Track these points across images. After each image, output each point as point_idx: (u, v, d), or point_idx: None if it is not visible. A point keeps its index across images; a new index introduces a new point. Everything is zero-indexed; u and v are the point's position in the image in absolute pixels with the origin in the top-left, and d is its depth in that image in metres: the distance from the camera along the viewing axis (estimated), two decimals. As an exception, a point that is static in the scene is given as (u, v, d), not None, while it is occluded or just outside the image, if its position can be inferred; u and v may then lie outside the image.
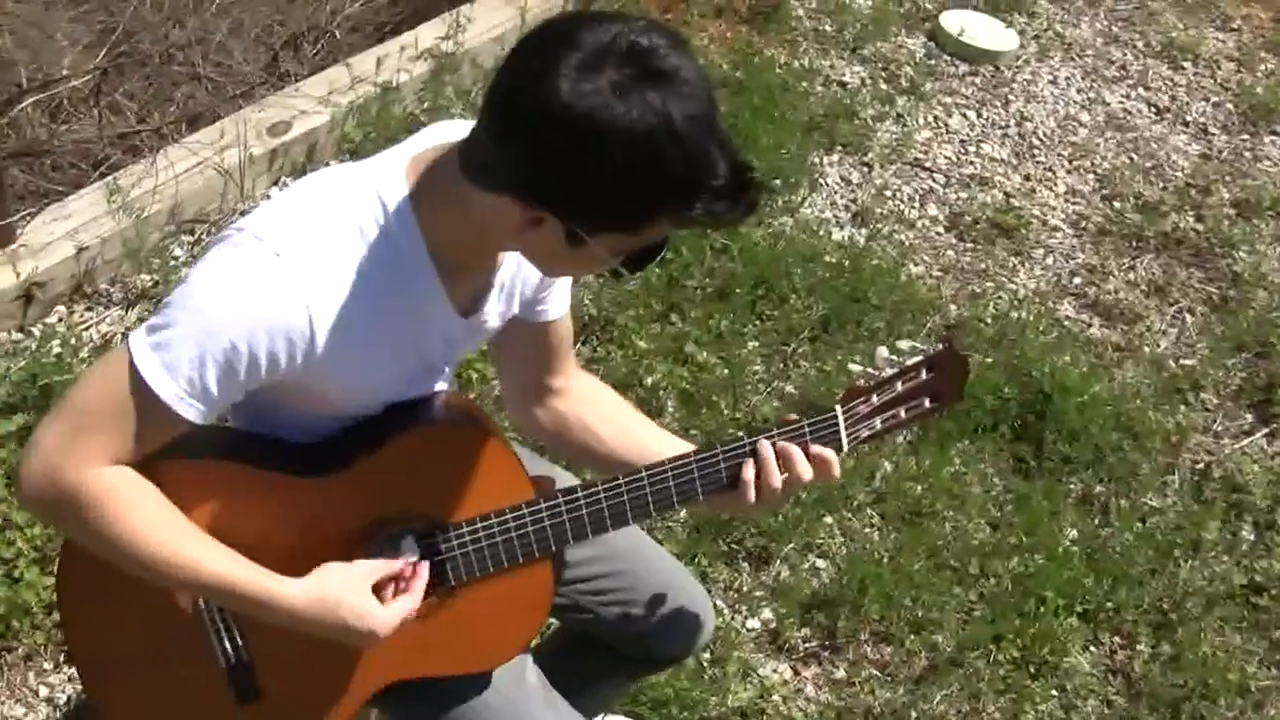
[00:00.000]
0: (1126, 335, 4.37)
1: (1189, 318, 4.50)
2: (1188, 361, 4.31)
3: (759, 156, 4.54)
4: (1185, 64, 5.73)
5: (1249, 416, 4.16)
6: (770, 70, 5.05)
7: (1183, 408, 4.14)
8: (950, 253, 4.57)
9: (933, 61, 5.42)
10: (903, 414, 2.16)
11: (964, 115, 5.21)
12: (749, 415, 3.77)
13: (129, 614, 1.99)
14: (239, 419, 2.01)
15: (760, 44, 5.24)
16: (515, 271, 2.02)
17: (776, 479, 2.04)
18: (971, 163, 4.99)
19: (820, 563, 3.50)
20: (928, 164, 4.94)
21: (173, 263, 3.84)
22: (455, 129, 1.89)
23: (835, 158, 4.86)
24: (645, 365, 3.80)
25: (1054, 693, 3.33)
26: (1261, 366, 4.32)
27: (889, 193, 4.77)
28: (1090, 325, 4.40)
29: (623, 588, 2.37)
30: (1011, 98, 5.34)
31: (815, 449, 2.06)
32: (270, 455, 1.95)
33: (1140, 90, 5.54)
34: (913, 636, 3.37)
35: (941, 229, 4.68)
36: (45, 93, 4.13)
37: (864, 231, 4.56)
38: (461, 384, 3.56)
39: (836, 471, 2.08)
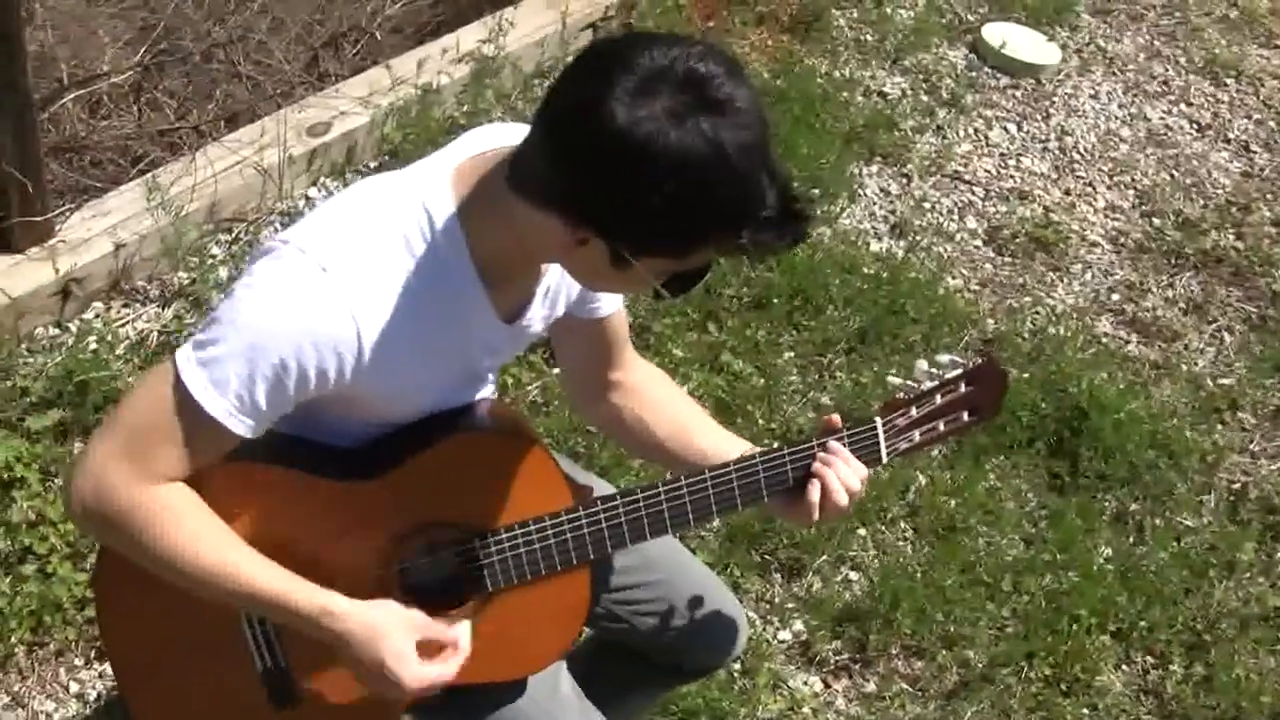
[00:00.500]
0: (1164, 353, 4.34)
1: (1227, 336, 4.47)
2: (1225, 381, 4.28)
3: (798, 166, 4.52)
4: (1228, 81, 5.69)
5: (1287, 437, 4.13)
6: (811, 80, 5.03)
7: (1220, 427, 4.11)
8: (988, 266, 4.55)
9: (974, 74, 5.39)
10: (941, 427, 2.16)
11: (1004, 128, 5.18)
12: (784, 426, 3.75)
13: (166, 615, 1.99)
14: (281, 424, 2.01)
15: (801, 53, 5.22)
16: (560, 277, 2.01)
17: (843, 497, 2.05)
18: (1011, 176, 4.96)
19: (853, 575, 3.49)
20: (967, 176, 4.91)
21: (210, 261, 3.84)
22: (495, 134, 1.89)
23: (874, 169, 4.84)
24: (681, 373, 3.79)
25: (1085, 711, 3.31)
26: (1301, 387, 4.29)
27: (928, 205, 4.75)
28: (1128, 342, 4.37)
29: (658, 597, 2.36)
30: (1052, 111, 5.31)
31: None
32: (312, 460, 1.96)
33: (1182, 106, 5.50)
34: (944, 651, 3.35)
35: (980, 242, 4.65)
36: (86, 89, 4.14)
37: (902, 243, 4.55)
38: (496, 389, 3.55)
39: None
